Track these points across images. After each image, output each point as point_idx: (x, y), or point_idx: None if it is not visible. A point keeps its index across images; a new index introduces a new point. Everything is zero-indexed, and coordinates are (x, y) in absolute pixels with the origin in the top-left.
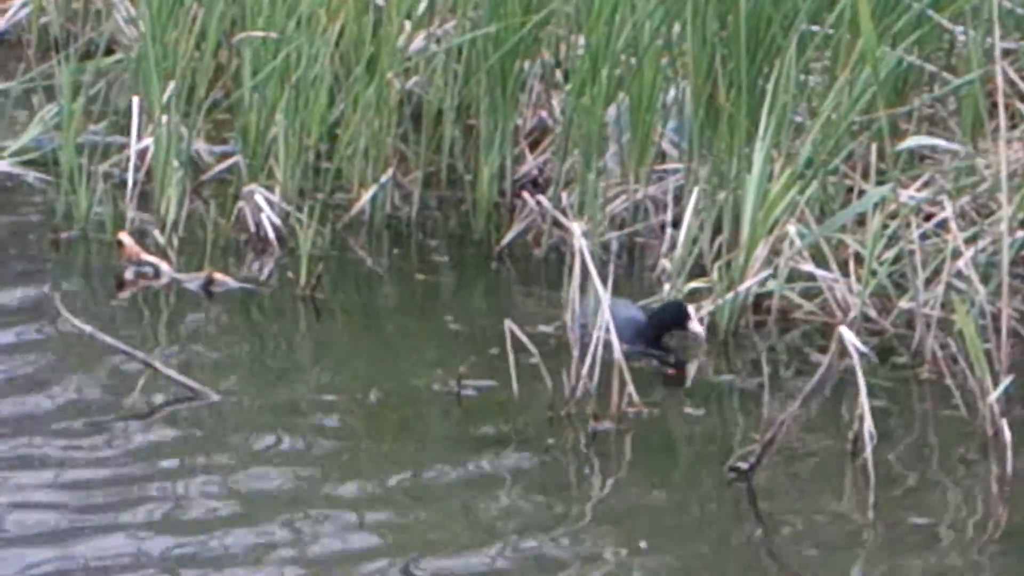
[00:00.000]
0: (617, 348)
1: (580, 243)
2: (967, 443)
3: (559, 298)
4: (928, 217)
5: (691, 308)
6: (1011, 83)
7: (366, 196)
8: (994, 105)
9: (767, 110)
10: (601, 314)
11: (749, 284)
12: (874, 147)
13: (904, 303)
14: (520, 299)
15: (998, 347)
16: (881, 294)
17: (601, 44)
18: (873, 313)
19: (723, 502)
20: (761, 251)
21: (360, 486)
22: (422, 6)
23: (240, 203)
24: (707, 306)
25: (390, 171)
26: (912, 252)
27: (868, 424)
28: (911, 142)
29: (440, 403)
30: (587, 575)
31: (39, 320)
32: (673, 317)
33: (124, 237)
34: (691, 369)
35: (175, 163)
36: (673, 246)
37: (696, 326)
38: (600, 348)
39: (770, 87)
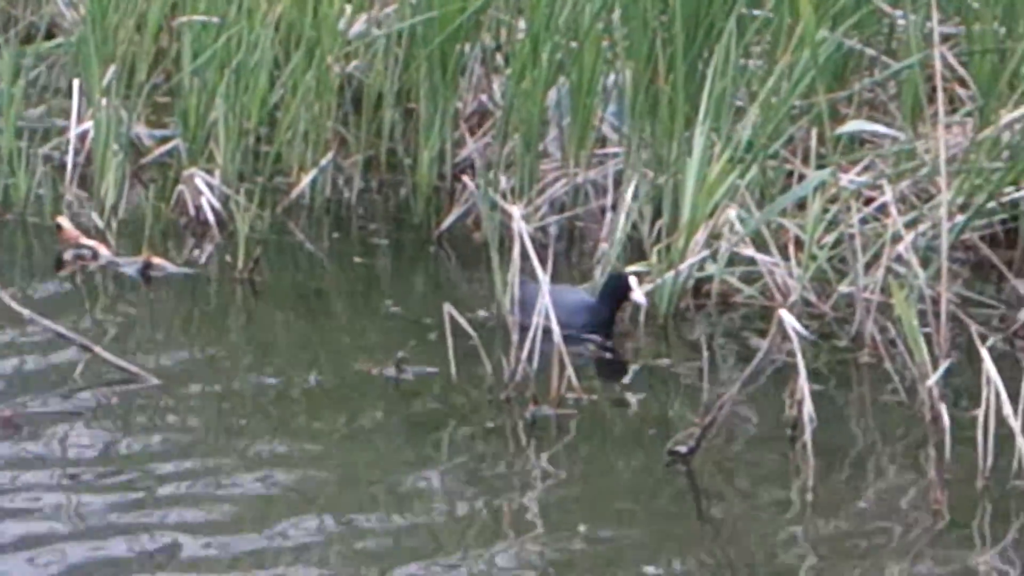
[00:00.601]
0: (557, 333)
1: (519, 227)
2: (906, 427)
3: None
4: (868, 201)
5: (632, 278)
6: (950, 68)
7: (306, 180)
8: (933, 89)
9: (707, 94)
10: (541, 298)
11: (687, 265)
12: (814, 131)
13: (844, 287)
14: (459, 283)
15: (937, 331)
16: (821, 278)
17: (541, 27)
18: (813, 297)
19: (662, 485)
20: (701, 235)
21: (299, 469)
22: None
23: (180, 187)
24: (646, 289)
25: (330, 155)
26: (852, 236)
27: (808, 408)
28: (850, 127)
29: (379, 387)
30: (526, 559)
31: None
32: (618, 289)
33: (63, 220)
34: (631, 353)
35: (115, 147)
36: (612, 230)
37: (638, 295)
38: (540, 332)
39: (710, 71)
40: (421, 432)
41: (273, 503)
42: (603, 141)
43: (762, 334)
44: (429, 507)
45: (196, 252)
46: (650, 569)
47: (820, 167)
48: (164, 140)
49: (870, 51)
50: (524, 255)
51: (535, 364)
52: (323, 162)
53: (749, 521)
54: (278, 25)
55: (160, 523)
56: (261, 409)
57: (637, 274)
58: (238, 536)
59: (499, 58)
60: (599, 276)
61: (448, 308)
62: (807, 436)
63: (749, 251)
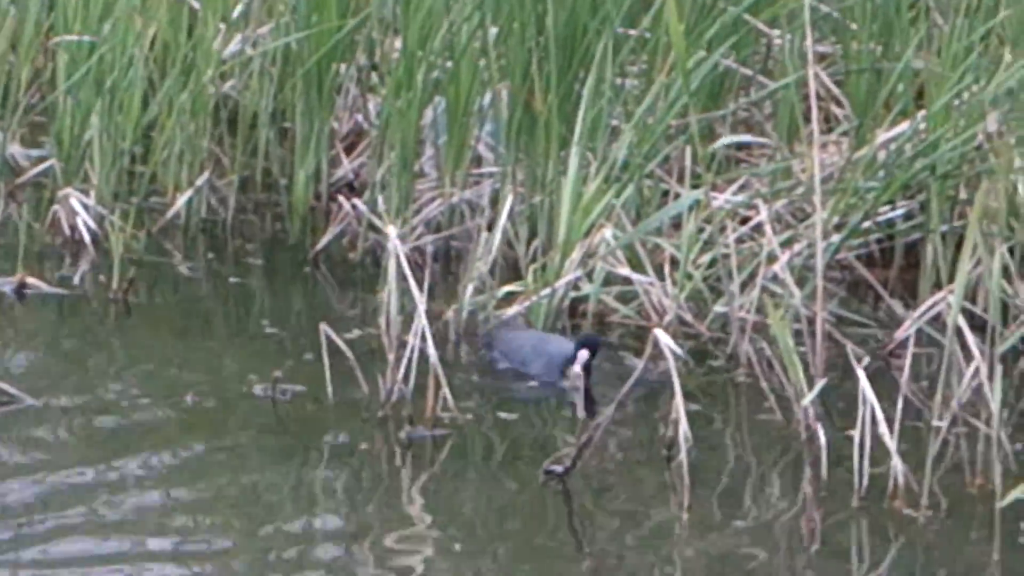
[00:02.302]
0: (433, 354)
1: (395, 247)
2: (782, 447)
3: (374, 302)
4: (744, 221)
5: (583, 351)
6: (826, 87)
7: (181, 199)
8: (809, 109)
9: (582, 114)
10: (417, 318)
11: (562, 284)
12: (689, 150)
13: (719, 307)
14: (336, 303)
15: (813, 351)
16: (697, 298)
17: (417, 47)
18: (688, 317)
19: (538, 505)
20: (576, 254)
21: (170, 489)
22: (238, 9)
23: (55, 207)
24: (521, 308)
25: (205, 174)
26: (727, 256)
27: (684, 428)
28: (724, 140)
29: (255, 407)
30: None
31: None
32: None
33: None
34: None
35: None
36: (488, 249)
37: (576, 367)
38: (416, 353)
39: (585, 91)
40: (296, 452)
41: (143, 524)
42: (479, 161)
43: (638, 354)
44: (301, 526)
45: (71, 272)
46: None
47: (695, 187)
48: (39, 160)
49: (746, 71)
50: (400, 275)
51: (411, 384)
52: (198, 182)
53: (624, 541)
54: (153, 44)
55: (29, 541)
56: (134, 429)
57: (512, 294)
58: (104, 550)
59: (375, 77)
60: (471, 297)
61: (324, 328)
62: (683, 456)
63: (625, 270)
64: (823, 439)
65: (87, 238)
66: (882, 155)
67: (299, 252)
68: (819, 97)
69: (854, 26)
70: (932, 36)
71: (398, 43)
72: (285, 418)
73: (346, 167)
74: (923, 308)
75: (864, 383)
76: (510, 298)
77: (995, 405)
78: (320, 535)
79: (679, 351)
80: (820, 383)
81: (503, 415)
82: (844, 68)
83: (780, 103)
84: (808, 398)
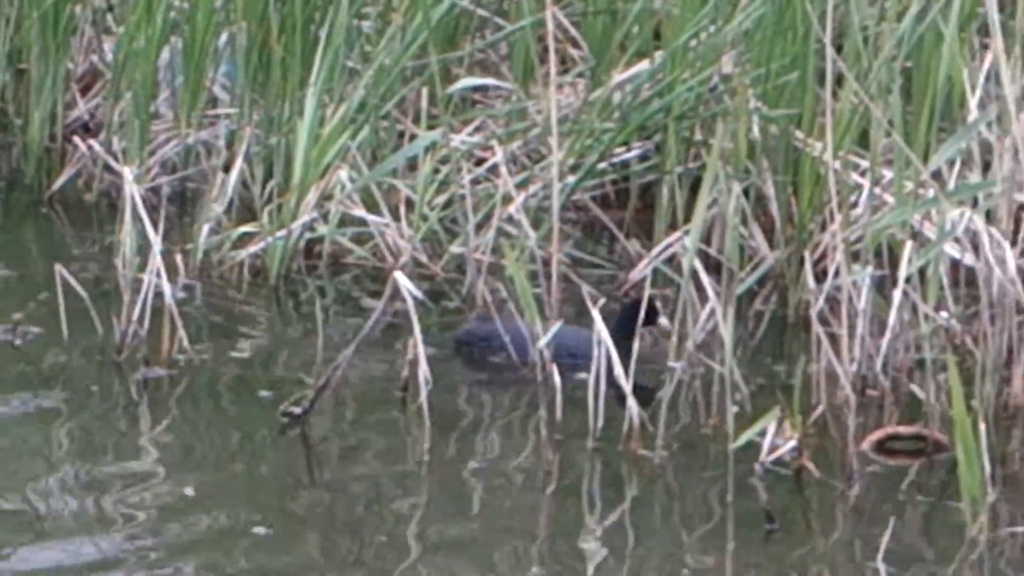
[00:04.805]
0: (168, 294)
1: (131, 188)
2: (518, 388)
3: (110, 243)
4: (480, 162)
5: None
6: (562, 29)
7: None
8: (545, 50)
9: (320, 55)
10: (152, 259)
11: (298, 225)
12: (426, 92)
13: (455, 248)
14: (72, 244)
15: (548, 292)
16: (432, 239)
17: None
18: (424, 258)
19: (277, 447)
20: (312, 195)
21: None
22: None
23: None
24: (255, 249)
25: None
26: (463, 197)
27: (423, 369)
28: (461, 83)
29: None
30: (131, 517)
31: None
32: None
33: None
34: (243, 315)
35: None
36: (223, 191)
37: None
38: (151, 292)
39: (323, 32)
40: (33, 394)
41: None
42: (215, 102)
43: (374, 295)
44: (37, 470)
45: None
46: (260, 530)
47: (432, 128)
48: None
49: (483, 12)
50: (136, 216)
51: (146, 325)
52: None
53: (365, 482)
54: None
55: None
56: None
57: (248, 235)
58: None
59: (111, 19)
60: (203, 237)
61: (59, 269)
62: (423, 397)
63: (360, 212)
64: (557, 381)
65: None
66: (618, 96)
67: (35, 193)
68: (556, 39)
69: None
70: None
71: None
72: (22, 360)
73: (82, 108)
74: (658, 249)
75: (599, 324)
76: (245, 239)
77: (729, 346)
78: (55, 480)
79: (417, 293)
80: (556, 325)
81: (240, 356)
82: (581, 9)
83: (516, 44)
84: (544, 340)
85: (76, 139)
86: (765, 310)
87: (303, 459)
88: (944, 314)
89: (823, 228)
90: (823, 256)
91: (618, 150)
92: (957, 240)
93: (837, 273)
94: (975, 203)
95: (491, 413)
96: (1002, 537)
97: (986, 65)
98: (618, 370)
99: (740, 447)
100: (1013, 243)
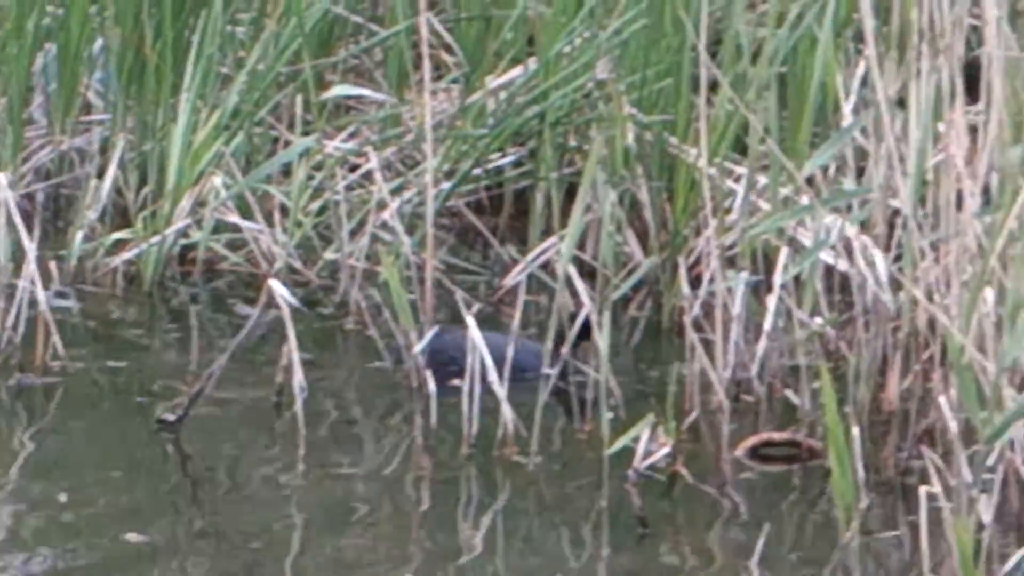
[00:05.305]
0: (43, 300)
1: (4, 194)
2: (393, 394)
3: None
4: (354, 168)
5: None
6: (437, 34)
7: None
8: (419, 56)
9: (193, 61)
10: (26, 265)
11: (172, 231)
12: (300, 98)
13: (330, 254)
14: None
15: (423, 298)
16: (306, 245)
17: None
18: (298, 264)
19: (150, 453)
20: (186, 201)
21: None
22: None
23: None
24: (129, 255)
25: None
26: (337, 203)
27: (298, 375)
28: (335, 91)
29: None
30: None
31: None
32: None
33: None
34: (118, 322)
35: None
36: (97, 197)
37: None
38: (25, 299)
39: (196, 38)
40: None
41: None
42: (89, 108)
43: (249, 301)
44: None
45: None
46: (133, 536)
47: (306, 134)
48: None
49: (356, 18)
50: (10, 222)
51: (20, 332)
52: None
53: (239, 489)
54: None
55: None
56: None
57: (122, 241)
58: None
59: None
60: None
61: None
62: (298, 404)
63: (234, 218)
64: (432, 387)
65: None
66: (492, 103)
67: None
68: (430, 45)
69: None
70: None
71: None
72: None
73: None
74: (532, 255)
75: (473, 330)
76: (120, 245)
77: (604, 352)
78: None
79: (292, 299)
80: (431, 331)
81: (114, 363)
82: (455, 15)
83: (390, 51)
84: (419, 346)
85: None
86: (640, 316)
87: (177, 465)
88: (819, 320)
89: (698, 234)
90: (698, 262)
91: (492, 156)
92: (832, 246)
93: (712, 279)
94: (849, 209)
95: (367, 419)
96: (875, 542)
97: (860, 71)
98: (492, 376)
99: (614, 453)
100: (887, 249)
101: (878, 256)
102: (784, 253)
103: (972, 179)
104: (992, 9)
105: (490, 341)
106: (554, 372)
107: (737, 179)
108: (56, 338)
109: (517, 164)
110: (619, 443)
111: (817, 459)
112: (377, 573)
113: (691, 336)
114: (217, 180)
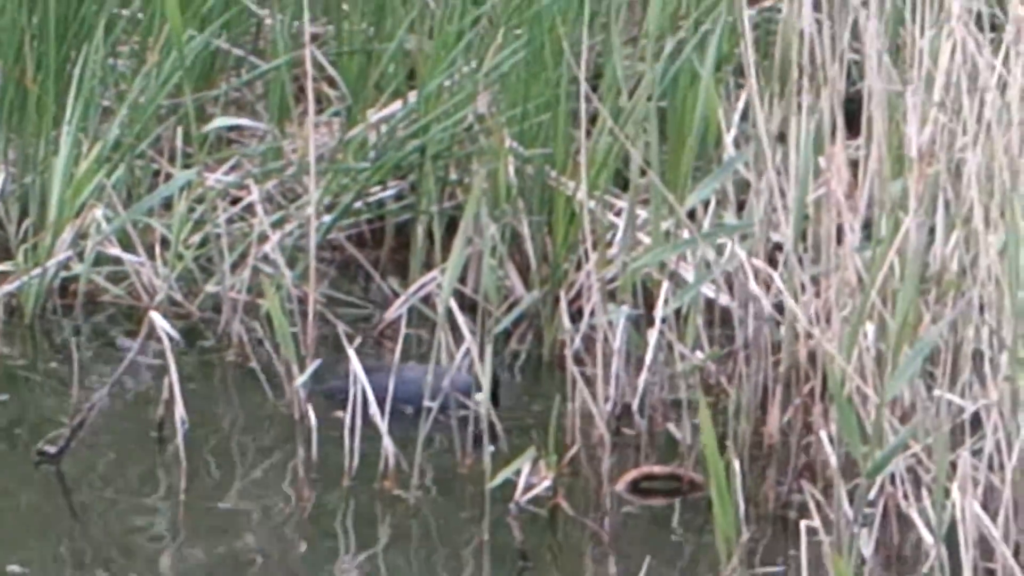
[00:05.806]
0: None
1: None
2: (274, 427)
3: None
4: (235, 201)
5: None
6: (320, 67)
7: None
8: (301, 89)
9: (74, 93)
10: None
11: (53, 264)
12: (180, 131)
13: (211, 287)
14: None
15: (304, 331)
16: (187, 278)
17: None
18: (179, 297)
19: (30, 485)
20: (68, 233)
21: None
22: None
23: None
24: (10, 288)
25: None
26: (219, 236)
27: (179, 409)
28: (216, 123)
29: None
30: None
31: None
32: None
33: None
34: None
35: None
36: None
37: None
38: None
39: (78, 71)
40: None
41: None
42: None
43: (130, 334)
44: None
45: None
46: (15, 568)
47: (187, 167)
48: None
49: (238, 51)
50: None
51: None
52: None
53: (120, 524)
54: None
55: None
56: None
57: (2, 273)
58: None
59: None
60: None
61: None
62: (179, 438)
63: (116, 250)
64: (313, 420)
65: None
66: (374, 136)
67: None
68: (312, 78)
69: (346, 7)
70: (424, 17)
71: None
72: None
73: None
74: (413, 288)
75: (355, 363)
76: (1, 278)
77: (485, 386)
78: None
79: (173, 333)
80: (314, 364)
81: None
82: (337, 48)
83: (272, 83)
84: (300, 379)
85: None
86: (521, 349)
87: (59, 497)
88: (699, 354)
89: (579, 268)
90: (578, 295)
91: (374, 189)
92: (713, 280)
93: (593, 313)
94: (732, 243)
95: (248, 452)
96: None
97: (741, 104)
98: (373, 409)
99: (496, 486)
100: (767, 284)
101: (760, 290)
102: (665, 287)
103: (852, 213)
104: (873, 43)
105: (407, 375)
106: (435, 404)
107: (618, 213)
108: None
109: (398, 197)
110: (500, 476)
111: (699, 492)
112: None
113: (572, 369)
114: (98, 212)
